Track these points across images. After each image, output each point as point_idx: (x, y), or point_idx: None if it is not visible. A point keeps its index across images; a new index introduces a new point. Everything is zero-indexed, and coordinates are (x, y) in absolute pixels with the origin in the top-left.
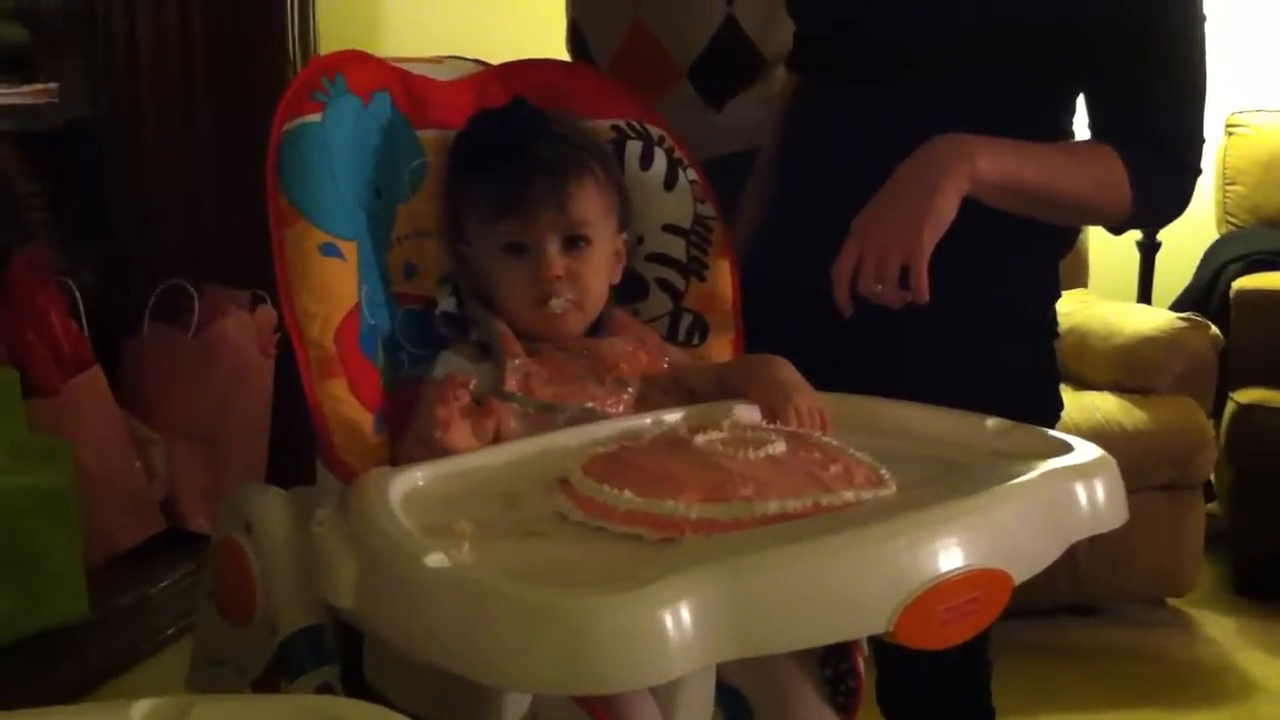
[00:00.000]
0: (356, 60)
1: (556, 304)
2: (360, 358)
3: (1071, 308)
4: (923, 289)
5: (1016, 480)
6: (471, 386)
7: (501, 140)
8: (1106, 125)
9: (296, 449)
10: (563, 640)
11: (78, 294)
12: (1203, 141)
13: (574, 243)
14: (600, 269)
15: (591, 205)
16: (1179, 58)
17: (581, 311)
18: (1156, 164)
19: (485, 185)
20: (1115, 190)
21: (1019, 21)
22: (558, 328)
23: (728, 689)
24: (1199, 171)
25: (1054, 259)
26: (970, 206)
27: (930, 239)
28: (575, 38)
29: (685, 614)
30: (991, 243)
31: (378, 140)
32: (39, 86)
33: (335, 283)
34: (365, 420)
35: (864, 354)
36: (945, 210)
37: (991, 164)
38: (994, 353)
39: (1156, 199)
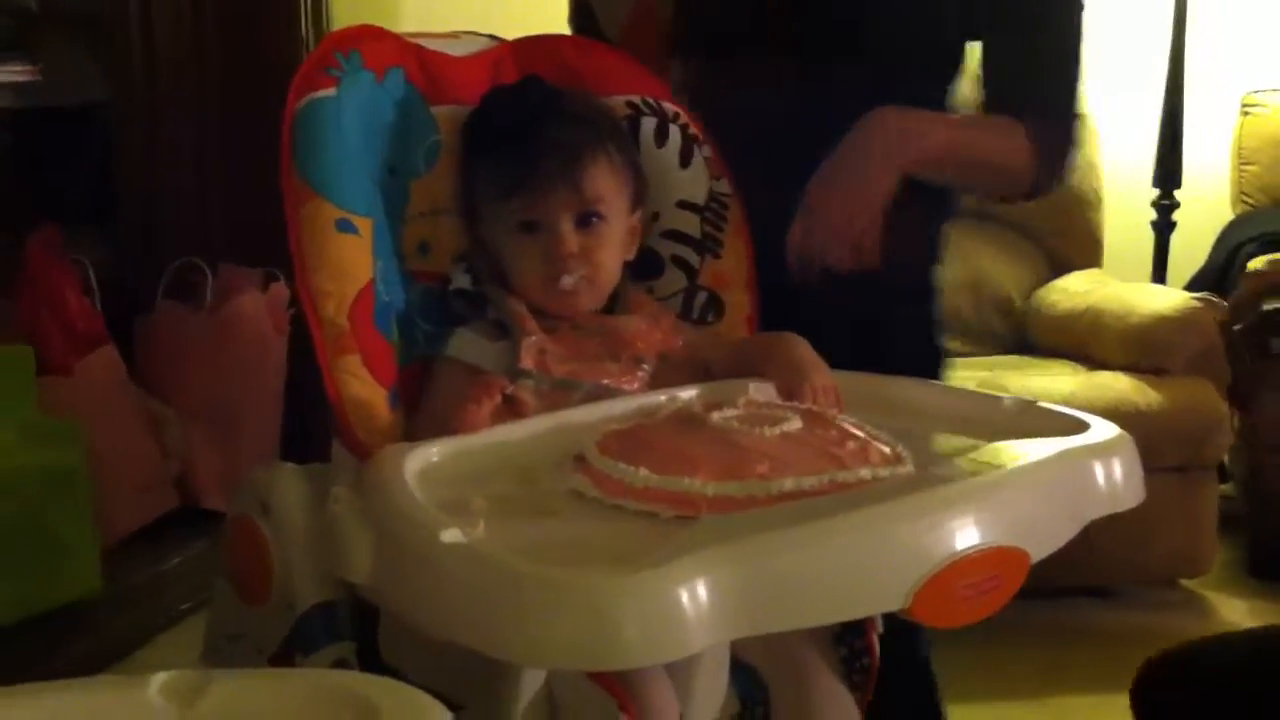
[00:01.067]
0: (372, 36)
1: (568, 280)
2: (375, 334)
3: (1086, 288)
4: (876, 253)
5: (1034, 459)
6: (508, 390)
7: (513, 118)
8: (1002, 99)
9: (310, 426)
10: (579, 616)
11: (91, 272)
12: (1078, 119)
13: (587, 220)
14: (614, 246)
15: (605, 182)
16: (1064, 41)
17: (594, 288)
18: (1048, 139)
19: (497, 164)
20: (1022, 162)
21: (934, 8)
22: (569, 304)
23: (743, 666)
24: (1077, 145)
25: (940, 226)
26: None
27: (878, 211)
28: (581, 12)
29: (702, 591)
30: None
31: (392, 116)
32: (26, 66)
33: (350, 259)
34: (380, 397)
35: (768, 319)
36: (889, 183)
37: (930, 137)
38: (886, 311)
39: (1048, 172)
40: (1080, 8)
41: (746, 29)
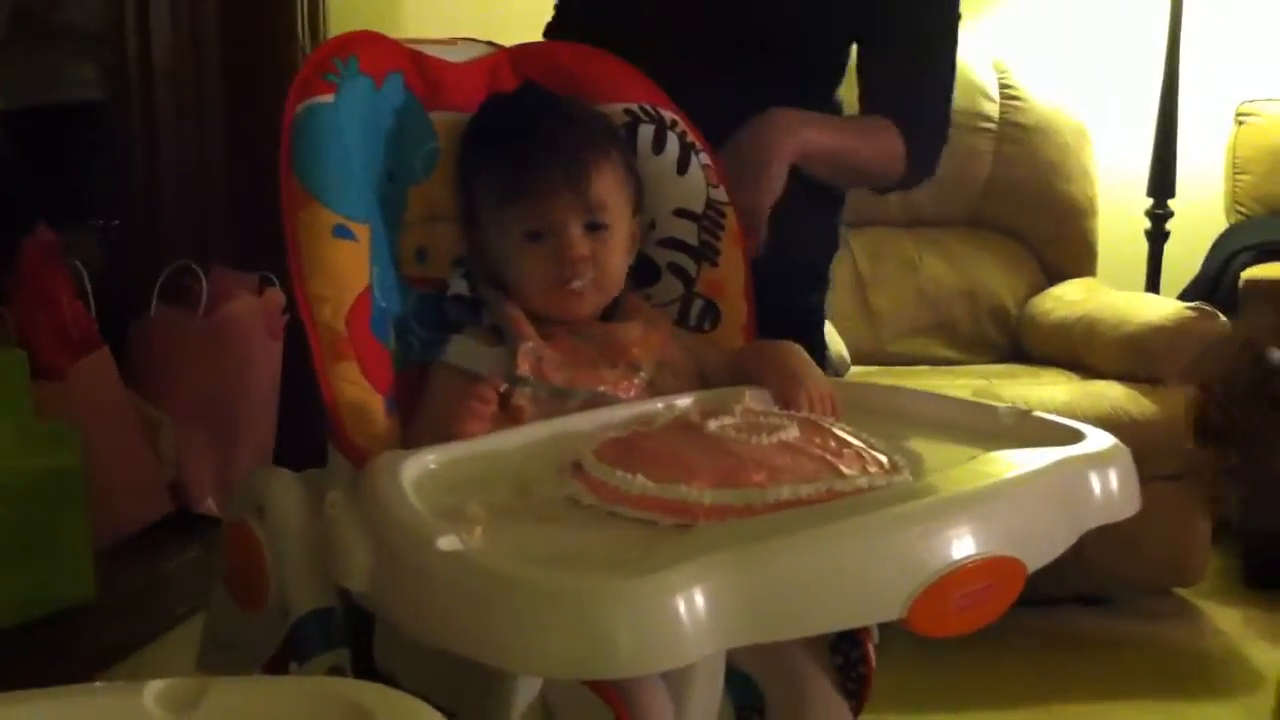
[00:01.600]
0: (370, 41)
1: (578, 284)
2: (372, 340)
3: (1080, 296)
4: (756, 249)
5: (1030, 468)
6: (503, 390)
7: (513, 124)
8: (880, 102)
9: (305, 431)
10: (575, 624)
11: (85, 276)
12: (950, 117)
13: (593, 226)
14: (619, 251)
15: (608, 187)
16: (940, 50)
17: (600, 293)
18: (921, 135)
19: (497, 170)
20: (896, 157)
21: (822, 18)
22: (575, 308)
23: (738, 675)
24: (947, 141)
25: (836, 219)
26: None
27: (767, 206)
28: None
29: (698, 599)
30: (788, 205)
31: (390, 122)
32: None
33: (347, 265)
34: (376, 403)
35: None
36: (779, 178)
37: (814, 136)
38: (785, 299)
39: (920, 165)
40: (956, 16)
41: (644, 28)
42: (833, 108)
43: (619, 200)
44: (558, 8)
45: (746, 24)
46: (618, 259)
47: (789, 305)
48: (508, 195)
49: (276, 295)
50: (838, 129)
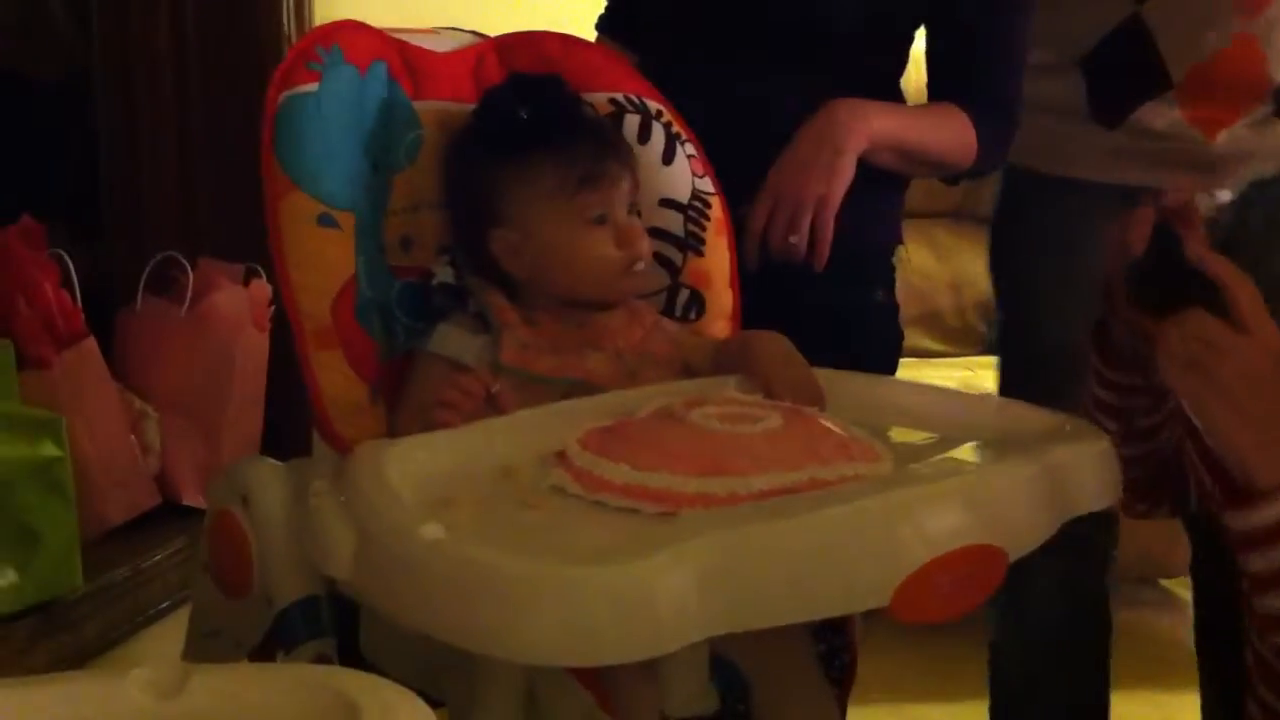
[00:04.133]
0: (353, 30)
1: (641, 264)
2: (356, 329)
3: None
4: (827, 241)
5: (1012, 457)
6: (495, 390)
7: (558, 118)
8: (949, 87)
9: (292, 422)
10: (558, 611)
11: (71, 266)
12: (1022, 103)
13: (632, 208)
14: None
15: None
16: (1010, 32)
17: (649, 268)
18: (990, 121)
19: (565, 162)
20: (968, 145)
21: (886, 3)
22: (637, 286)
23: (723, 662)
24: (1018, 127)
25: (899, 207)
26: None
27: (839, 195)
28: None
29: (681, 587)
30: (850, 195)
31: (374, 111)
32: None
33: (331, 254)
34: (361, 392)
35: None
36: (849, 168)
37: (881, 125)
38: (856, 292)
39: (991, 151)
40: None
41: (706, 20)
42: (897, 97)
43: None
44: (610, 1)
45: (809, 12)
46: (648, 240)
47: (854, 298)
48: (583, 183)
49: (263, 286)
50: (906, 117)
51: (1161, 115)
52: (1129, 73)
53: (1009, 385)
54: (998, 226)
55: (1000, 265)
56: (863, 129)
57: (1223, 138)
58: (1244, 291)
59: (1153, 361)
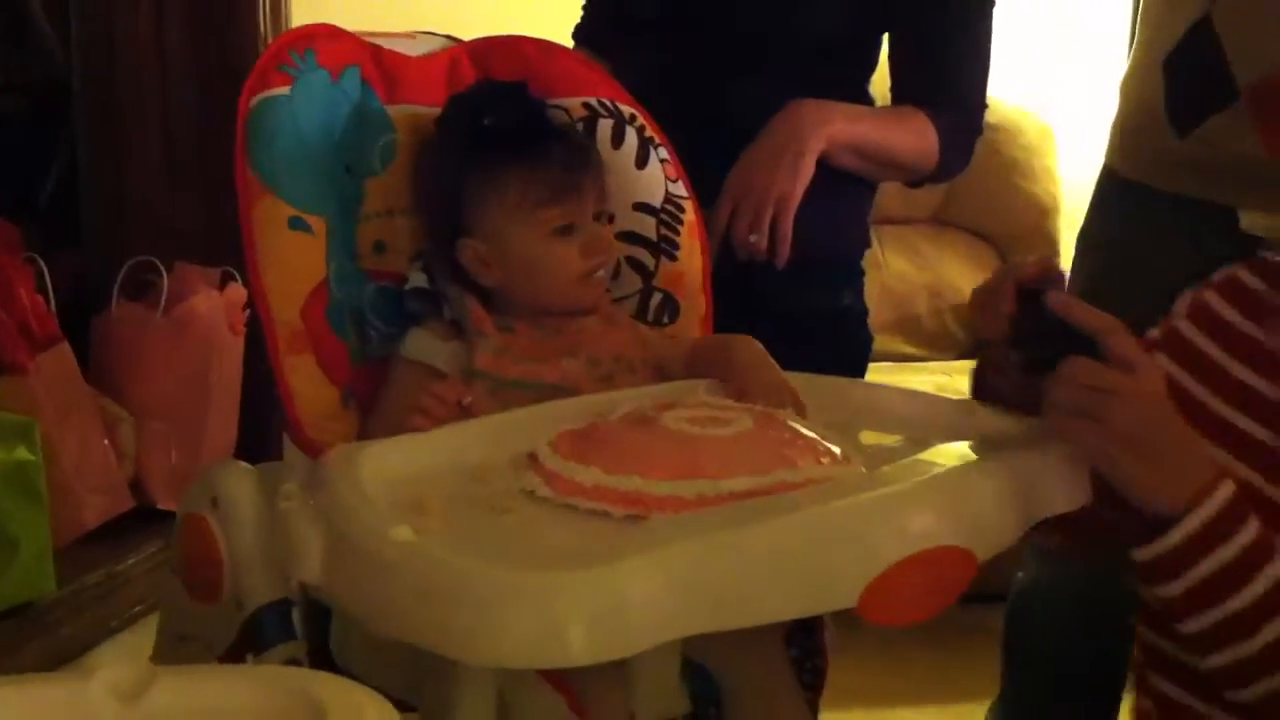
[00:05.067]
0: (326, 34)
1: (602, 273)
2: (328, 333)
3: None
4: (787, 239)
5: (981, 459)
6: (466, 402)
7: (527, 127)
8: (913, 91)
9: (267, 427)
10: (527, 615)
11: (46, 271)
12: (985, 108)
13: (601, 215)
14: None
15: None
16: (974, 37)
17: (609, 276)
18: (954, 126)
19: (533, 171)
20: (929, 148)
21: (853, 8)
22: (598, 295)
23: (695, 665)
24: (981, 132)
25: (867, 212)
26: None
27: (799, 194)
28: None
29: (651, 589)
30: (816, 198)
31: (347, 115)
32: None
33: (303, 258)
34: (333, 396)
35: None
36: (809, 168)
37: (842, 127)
38: (824, 295)
39: (954, 156)
40: (990, 3)
41: (675, 23)
42: (865, 101)
43: None
44: (586, 7)
45: (778, 16)
46: (614, 246)
47: (822, 302)
48: (549, 197)
49: (239, 291)
50: (869, 119)
51: (1228, 128)
52: (1200, 78)
53: None
54: (1088, 230)
55: (1077, 263)
56: (823, 129)
57: None
58: (1117, 333)
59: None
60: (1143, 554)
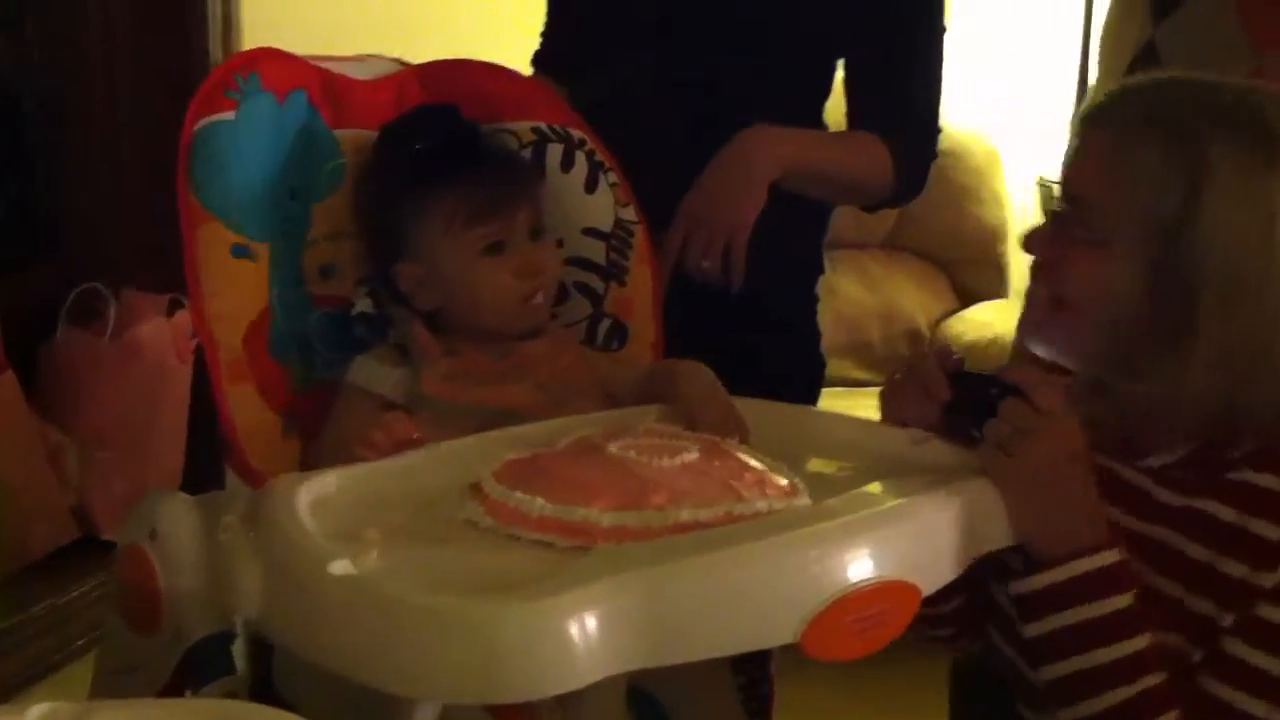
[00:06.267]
0: (272, 57)
1: (540, 298)
2: (270, 361)
3: (992, 318)
4: (740, 265)
5: (927, 493)
6: (416, 437)
7: (460, 148)
8: (868, 116)
9: (215, 456)
10: (468, 648)
11: None
12: (939, 132)
13: (537, 233)
14: (557, 257)
15: (541, 195)
16: (926, 62)
17: (549, 301)
18: (908, 150)
19: (458, 193)
20: (884, 173)
21: (808, 34)
22: (540, 318)
23: (642, 694)
24: (936, 157)
25: (821, 236)
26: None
27: (751, 220)
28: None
29: (594, 622)
30: (770, 223)
31: (293, 139)
32: None
33: (246, 284)
34: (274, 425)
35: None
36: (761, 194)
37: (795, 151)
38: (777, 321)
39: (909, 180)
40: (942, 29)
41: (631, 50)
42: (820, 126)
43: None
44: (544, 34)
45: (733, 42)
46: (556, 265)
47: (776, 327)
48: (477, 216)
49: (187, 318)
50: (822, 144)
51: None
52: None
53: None
54: None
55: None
56: (776, 155)
57: None
58: (1047, 387)
59: None
60: (1016, 587)
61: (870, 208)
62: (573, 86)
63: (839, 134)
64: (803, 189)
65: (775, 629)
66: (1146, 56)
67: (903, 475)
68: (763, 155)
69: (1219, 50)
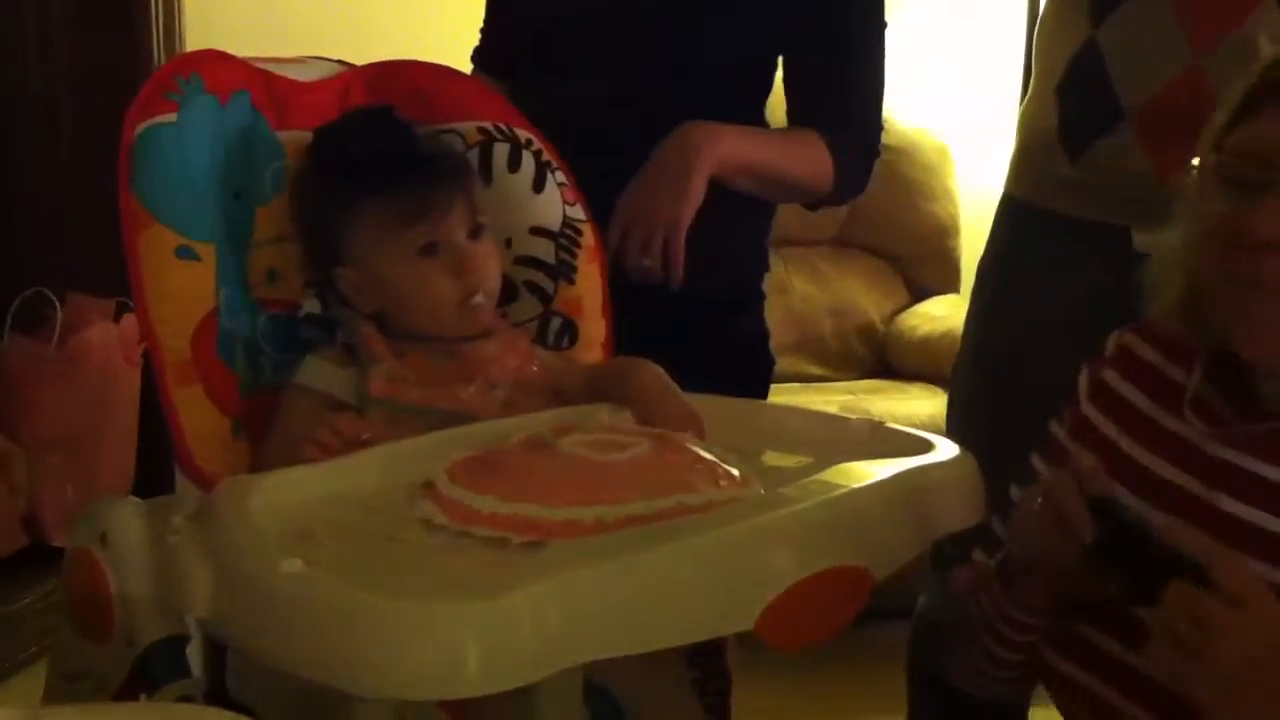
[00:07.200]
0: (214, 59)
1: (480, 298)
2: (217, 363)
3: (945, 312)
4: (679, 261)
5: (877, 478)
6: (364, 439)
7: (392, 149)
8: (808, 113)
9: (165, 459)
10: (421, 646)
11: None
12: (881, 130)
13: (476, 231)
14: (498, 255)
15: (479, 193)
16: (867, 59)
17: (491, 300)
18: (850, 147)
19: (389, 196)
20: (824, 170)
21: (747, 31)
22: (480, 320)
23: (599, 689)
24: (879, 154)
25: (764, 237)
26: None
27: (688, 216)
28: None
29: (547, 617)
30: (710, 220)
31: (236, 141)
32: None
33: (191, 287)
34: (223, 427)
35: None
36: (699, 190)
37: (734, 149)
38: (725, 318)
39: (851, 178)
40: (882, 26)
41: (570, 48)
42: (760, 124)
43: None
44: (483, 30)
45: (671, 40)
46: (499, 262)
47: (721, 324)
48: (409, 218)
49: (134, 321)
50: (760, 141)
51: (1116, 150)
52: (1088, 102)
53: (981, 422)
54: (986, 257)
55: (977, 288)
56: (714, 151)
57: (1175, 180)
58: (1231, 562)
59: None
60: None
61: (812, 205)
62: (513, 86)
63: (778, 131)
64: (742, 185)
65: (731, 617)
66: (1088, 55)
67: (855, 462)
68: (699, 150)
69: (1158, 50)
